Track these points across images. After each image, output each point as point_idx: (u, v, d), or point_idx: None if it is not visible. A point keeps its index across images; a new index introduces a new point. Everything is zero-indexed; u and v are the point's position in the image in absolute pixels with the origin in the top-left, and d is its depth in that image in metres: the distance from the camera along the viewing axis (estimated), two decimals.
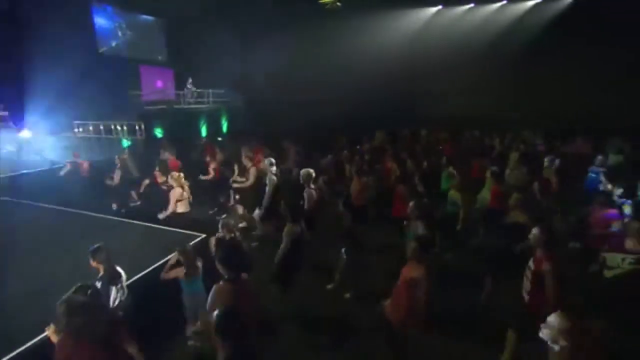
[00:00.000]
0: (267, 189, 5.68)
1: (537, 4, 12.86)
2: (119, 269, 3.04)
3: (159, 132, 12.99)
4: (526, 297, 2.90)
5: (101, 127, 11.50)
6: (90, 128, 11.78)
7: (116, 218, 5.47)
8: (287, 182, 6.52)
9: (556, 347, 1.96)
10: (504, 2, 13.18)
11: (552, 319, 1.97)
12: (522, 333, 2.89)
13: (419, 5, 14.02)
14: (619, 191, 5.76)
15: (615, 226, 4.64)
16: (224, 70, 15.62)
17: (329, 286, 4.48)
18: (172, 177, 5.27)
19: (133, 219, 5.33)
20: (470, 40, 13.47)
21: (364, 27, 14.31)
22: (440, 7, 13.83)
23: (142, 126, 10.66)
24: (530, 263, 2.94)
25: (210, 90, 15.02)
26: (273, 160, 5.91)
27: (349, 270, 4.34)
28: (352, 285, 4.32)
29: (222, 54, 15.67)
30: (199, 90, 14.95)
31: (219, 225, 3.83)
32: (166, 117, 13.47)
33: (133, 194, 6.93)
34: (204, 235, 4.42)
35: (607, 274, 3.88)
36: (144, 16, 16.03)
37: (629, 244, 3.78)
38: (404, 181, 6.72)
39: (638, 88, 10.54)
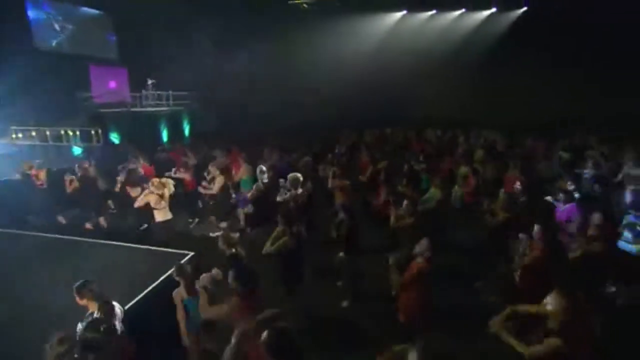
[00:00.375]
0: (251, 193, 5.73)
1: (492, 14, 14.27)
2: (115, 304, 2.83)
3: (115, 138, 12.27)
4: (517, 277, 3.45)
5: (47, 133, 10.59)
6: (34, 134, 10.79)
7: (89, 240, 5.03)
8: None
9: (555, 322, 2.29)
10: (463, 10, 14.38)
11: (550, 299, 2.32)
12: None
13: (385, 10, 14.78)
14: (571, 186, 6.71)
15: (575, 220, 5.38)
16: (185, 71, 15.12)
17: (339, 283, 4.65)
18: (152, 183, 5.09)
19: (108, 239, 4.98)
20: (433, 45, 14.50)
21: (333, 30, 14.71)
22: (405, 12, 14.69)
23: (99, 131, 9.96)
24: (527, 251, 3.55)
25: (171, 92, 14.43)
26: (264, 168, 5.91)
27: (347, 277, 4.52)
28: (350, 292, 4.51)
29: (181, 53, 15.17)
30: (158, 92, 14.30)
31: (219, 240, 3.82)
32: (123, 121, 12.76)
33: (110, 203, 6.55)
34: (192, 254, 4.29)
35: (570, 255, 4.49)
36: (85, 9, 14.95)
37: (590, 230, 4.40)
38: (385, 181, 7.09)
39: (584, 91, 12.04)
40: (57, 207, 6.57)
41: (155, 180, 5.20)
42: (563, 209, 5.49)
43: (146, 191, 5.08)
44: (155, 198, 5.00)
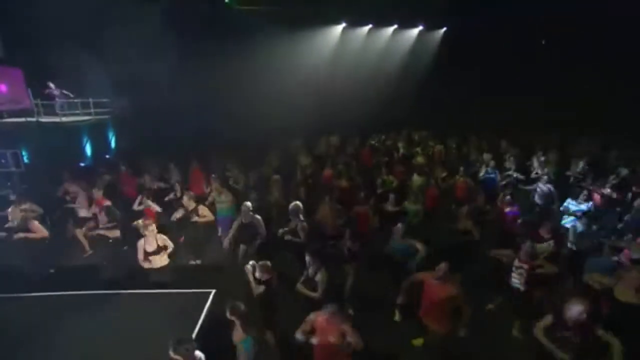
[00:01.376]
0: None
1: (421, 31, 16.36)
2: (198, 353, 2.92)
3: (23, 157, 10.21)
4: (522, 288, 4.29)
5: None
6: None
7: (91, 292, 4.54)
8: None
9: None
10: (396, 26, 16.08)
11: (577, 306, 3.19)
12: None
13: (326, 23, 15.51)
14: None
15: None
16: (103, 72, 13.30)
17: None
18: (140, 225, 4.66)
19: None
20: (371, 57, 15.79)
21: (274, 40, 14.62)
22: (344, 24, 15.67)
23: (17, 153, 8.23)
24: (519, 263, 4.36)
25: (91, 100, 12.54)
26: (248, 204, 5.56)
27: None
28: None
29: (94, 53, 13.22)
30: (74, 100, 12.26)
31: (258, 269, 3.89)
32: (30, 136, 10.68)
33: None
34: (214, 291, 4.24)
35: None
36: None
37: (543, 231, 5.53)
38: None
39: (494, 100, 14.49)
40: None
41: (148, 221, 4.75)
42: (506, 211, 6.80)
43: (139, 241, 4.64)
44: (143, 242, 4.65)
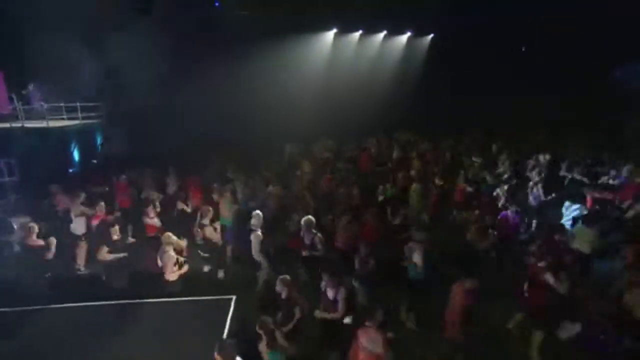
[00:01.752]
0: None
1: (409, 37, 16.84)
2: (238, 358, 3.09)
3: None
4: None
5: None
6: None
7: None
8: None
9: None
10: (385, 32, 16.48)
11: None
12: None
13: (317, 30, 15.67)
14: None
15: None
16: (87, 74, 12.80)
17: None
18: (172, 243, 4.64)
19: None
20: (361, 63, 16.09)
21: (267, 46, 14.58)
22: (335, 30, 15.85)
23: (12, 163, 7.82)
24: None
25: (79, 104, 12.02)
26: (260, 213, 5.58)
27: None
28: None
29: (86, 52, 12.69)
30: (59, 104, 11.73)
31: (279, 283, 4.00)
32: (15, 142, 10.14)
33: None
34: (234, 297, 4.38)
35: None
36: None
37: (558, 236, 5.85)
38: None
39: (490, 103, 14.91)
40: None
41: (171, 238, 4.72)
42: (510, 218, 7.09)
43: (164, 256, 4.62)
44: (173, 257, 4.70)
